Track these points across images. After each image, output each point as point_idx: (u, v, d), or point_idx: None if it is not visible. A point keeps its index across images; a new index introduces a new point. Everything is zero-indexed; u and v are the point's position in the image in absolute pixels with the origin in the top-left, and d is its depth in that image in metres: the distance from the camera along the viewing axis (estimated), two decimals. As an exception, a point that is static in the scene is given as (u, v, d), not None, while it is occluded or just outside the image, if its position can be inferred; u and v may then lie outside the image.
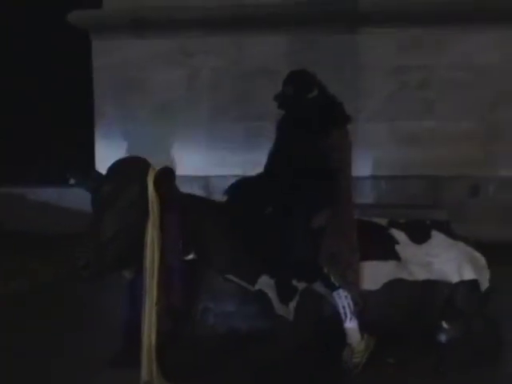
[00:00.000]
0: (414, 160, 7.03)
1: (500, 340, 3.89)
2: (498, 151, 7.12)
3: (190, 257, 3.51)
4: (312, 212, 3.64)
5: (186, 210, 3.50)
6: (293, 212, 3.65)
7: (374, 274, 3.72)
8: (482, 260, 4.02)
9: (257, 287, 3.56)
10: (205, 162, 6.82)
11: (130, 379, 3.51)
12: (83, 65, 7.38)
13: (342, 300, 3.55)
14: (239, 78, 7.34)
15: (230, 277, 3.55)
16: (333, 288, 3.57)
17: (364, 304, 3.63)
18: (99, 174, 3.49)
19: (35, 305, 5.22)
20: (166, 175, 3.33)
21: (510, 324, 4.07)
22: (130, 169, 3.39)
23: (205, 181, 6.64)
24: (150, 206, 3.30)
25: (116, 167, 3.43)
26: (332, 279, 3.55)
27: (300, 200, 3.61)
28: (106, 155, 7.54)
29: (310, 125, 3.63)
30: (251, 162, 7.23)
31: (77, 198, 7.85)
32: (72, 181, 3.49)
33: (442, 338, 3.81)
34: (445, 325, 3.82)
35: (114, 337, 3.98)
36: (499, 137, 7.09)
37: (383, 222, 4.15)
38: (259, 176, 3.92)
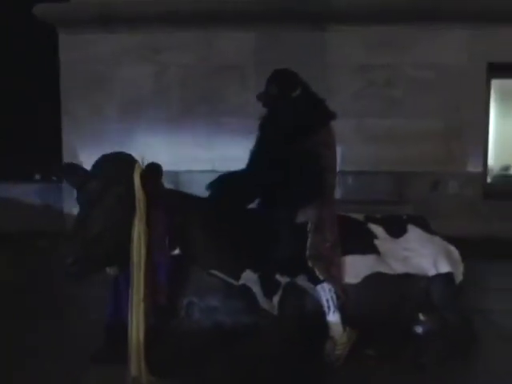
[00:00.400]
0: (380, 156, 7.15)
1: (473, 332, 4.00)
2: (460, 149, 7.29)
3: (176, 252, 3.53)
4: (296, 207, 3.69)
5: (170, 205, 3.52)
6: (277, 207, 3.70)
7: (355, 268, 3.81)
8: (456, 253, 4.14)
9: (241, 282, 3.61)
10: (174, 157, 6.80)
11: (115, 375, 3.53)
12: (50, 59, 7.27)
13: (326, 293, 3.62)
14: (208, 74, 7.34)
15: (215, 272, 3.58)
16: (317, 282, 3.63)
17: (346, 297, 3.70)
18: (84, 170, 3.48)
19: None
20: (153, 171, 3.33)
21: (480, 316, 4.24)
22: (116, 165, 3.39)
23: (174, 176, 6.63)
24: (136, 202, 3.30)
25: (102, 163, 3.42)
26: (317, 273, 3.60)
27: (285, 196, 3.66)
28: (73, 150, 7.48)
29: (297, 123, 3.68)
30: (220, 158, 7.31)
31: (40, 193, 7.84)
32: (57, 176, 3.46)
33: (419, 329, 3.91)
34: (421, 317, 3.92)
35: (90, 334, 4.04)
36: (461, 135, 7.26)
37: (360, 217, 4.24)
38: (242, 172, 3.95)
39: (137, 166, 3.39)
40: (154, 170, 3.31)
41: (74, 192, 3.49)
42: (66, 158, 7.49)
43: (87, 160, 7.12)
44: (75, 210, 7.11)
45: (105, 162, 3.41)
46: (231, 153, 7.27)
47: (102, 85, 7.37)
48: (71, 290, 5.24)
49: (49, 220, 7.55)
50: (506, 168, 7.88)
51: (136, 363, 3.39)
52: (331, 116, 3.80)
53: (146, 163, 3.43)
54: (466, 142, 7.27)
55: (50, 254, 6.79)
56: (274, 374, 3.52)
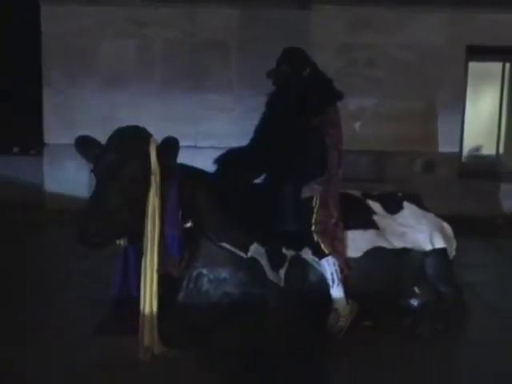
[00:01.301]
0: (361, 135, 7.29)
1: (465, 303, 4.20)
2: (436, 129, 7.49)
3: (188, 225, 3.61)
4: (302, 183, 3.79)
5: (182, 179, 3.59)
6: (283, 183, 3.80)
7: (356, 243, 3.95)
8: (449, 230, 4.32)
9: (249, 254, 3.71)
10: (157, 132, 6.77)
11: (124, 345, 3.61)
12: (32, 31, 7.17)
13: (331, 267, 3.74)
14: (191, 50, 7.34)
15: (225, 244, 3.67)
16: (322, 256, 3.75)
17: (348, 271, 3.84)
18: (97, 143, 3.52)
19: None
20: (170, 146, 3.39)
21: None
22: (132, 139, 3.44)
23: (157, 151, 6.64)
24: (152, 176, 3.36)
25: (117, 137, 3.47)
26: (322, 247, 3.72)
27: (291, 172, 3.76)
28: (54, 124, 7.44)
29: (306, 101, 3.76)
30: (203, 133, 7.37)
31: (18, 166, 7.76)
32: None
33: (415, 302, 4.08)
34: (417, 290, 4.09)
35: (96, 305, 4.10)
36: (439, 115, 7.45)
37: (357, 193, 4.37)
38: (248, 147, 4.03)
39: (152, 140, 3.44)
40: (170, 144, 3.36)
41: (89, 165, 3.54)
42: (46, 131, 7.45)
43: (68, 133, 7.16)
44: (55, 184, 7.12)
45: (121, 135, 3.46)
46: (213, 129, 7.34)
47: (84, 58, 7.32)
48: (60, 264, 5.32)
49: (27, 193, 7.52)
50: (477, 149, 8.12)
51: (149, 333, 3.47)
52: (339, 96, 3.90)
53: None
54: (443, 123, 7.46)
55: (30, 226, 6.79)
56: (279, 343, 3.65)
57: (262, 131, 4.03)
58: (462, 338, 4.03)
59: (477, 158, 7.99)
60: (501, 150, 7.87)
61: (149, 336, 3.47)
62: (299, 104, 3.80)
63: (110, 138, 3.46)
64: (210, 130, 7.29)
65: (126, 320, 3.69)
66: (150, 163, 3.36)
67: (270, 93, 4.11)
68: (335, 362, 3.67)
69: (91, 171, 3.44)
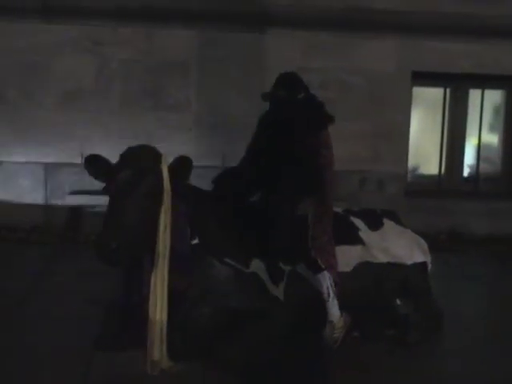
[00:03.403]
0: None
1: (442, 314, 4.49)
2: (386, 149, 7.84)
3: (195, 241, 3.72)
4: (297, 201, 3.98)
5: (190, 198, 3.71)
6: (279, 201, 3.97)
7: (346, 257, 4.16)
8: (425, 245, 4.60)
9: (251, 269, 3.86)
10: (115, 151, 6.81)
11: (128, 359, 3.67)
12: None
13: (326, 281, 3.93)
14: (149, 70, 7.37)
15: (227, 260, 3.81)
16: (317, 270, 3.93)
17: (340, 284, 4.04)
18: (106, 161, 3.59)
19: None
20: (183, 165, 3.50)
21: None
22: (145, 157, 3.53)
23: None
24: (164, 193, 3.46)
25: (130, 156, 3.55)
26: (319, 262, 3.91)
27: (287, 189, 3.94)
28: (8, 141, 7.30)
29: (300, 123, 3.96)
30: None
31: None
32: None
33: (398, 312, 4.32)
34: (398, 302, 4.34)
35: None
36: (387, 137, 7.80)
37: (339, 210, 4.59)
38: (243, 166, 4.18)
39: (163, 158, 3.54)
40: (184, 163, 3.47)
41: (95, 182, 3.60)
42: (0, 150, 7.32)
43: (22, 151, 7.08)
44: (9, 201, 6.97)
45: (134, 154, 3.55)
46: (171, 148, 7.37)
47: (40, 75, 7.22)
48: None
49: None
50: (415, 169, 8.55)
51: (158, 347, 3.55)
52: (331, 119, 4.12)
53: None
54: (390, 144, 7.82)
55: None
56: (280, 355, 3.80)
57: (256, 151, 4.17)
58: (442, 345, 4.32)
59: (421, 177, 8.41)
60: (443, 170, 8.30)
61: (158, 350, 3.55)
62: (294, 126, 3.99)
63: (124, 156, 3.55)
64: (167, 149, 7.31)
65: (129, 334, 3.77)
66: (162, 181, 3.46)
67: (262, 114, 4.28)
68: (331, 370, 3.85)
69: (103, 188, 3.50)
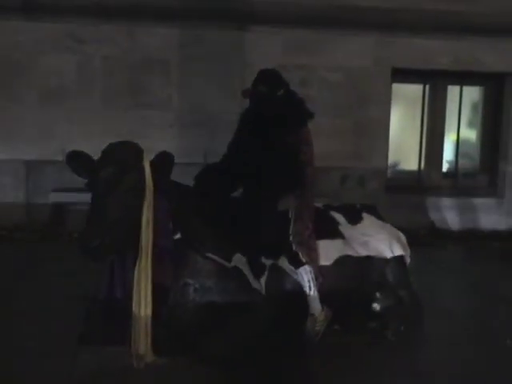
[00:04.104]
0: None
1: (422, 306, 4.57)
2: (366, 146, 7.93)
3: (177, 237, 3.77)
4: (278, 197, 4.04)
5: (171, 193, 3.75)
6: (260, 197, 4.02)
7: (326, 251, 4.23)
8: (404, 239, 4.68)
9: (232, 264, 3.91)
10: (97, 148, 6.83)
11: (113, 354, 3.71)
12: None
13: (308, 275, 4.00)
14: (131, 68, 7.41)
15: (210, 255, 3.86)
16: (298, 264, 4.00)
17: (322, 278, 4.11)
18: (88, 157, 3.62)
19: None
20: (165, 160, 3.54)
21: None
22: (127, 153, 3.56)
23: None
24: (146, 190, 3.50)
25: (112, 152, 3.57)
26: (300, 257, 3.98)
27: (267, 186, 3.99)
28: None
29: (280, 120, 4.01)
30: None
31: None
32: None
33: (378, 306, 4.39)
34: (378, 295, 4.41)
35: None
36: (367, 133, 7.90)
37: (319, 205, 4.65)
38: (224, 163, 4.23)
39: (145, 154, 3.58)
40: (166, 159, 3.51)
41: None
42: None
43: (4, 149, 7.07)
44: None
45: (115, 150, 3.57)
46: (153, 145, 7.40)
47: (22, 73, 7.23)
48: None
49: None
50: (395, 165, 8.65)
51: (144, 342, 3.59)
52: (310, 115, 4.18)
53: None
54: (370, 140, 7.92)
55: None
56: (263, 348, 3.87)
57: (237, 147, 4.22)
58: (423, 337, 4.41)
59: (401, 173, 8.51)
60: (422, 166, 8.41)
61: (143, 345, 3.59)
62: (274, 122, 4.05)
63: (105, 153, 3.57)
64: (149, 146, 7.35)
65: (113, 329, 3.80)
66: (144, 177, 3.50)
67: (243, 111, 4.33)
68: (314, 364, 3.93)
69: (86, 185, 3.53)
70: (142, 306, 3.56)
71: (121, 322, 3.73)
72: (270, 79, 4.13)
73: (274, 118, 4.04)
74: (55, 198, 7.11)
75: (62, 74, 7.32)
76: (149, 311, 3.57)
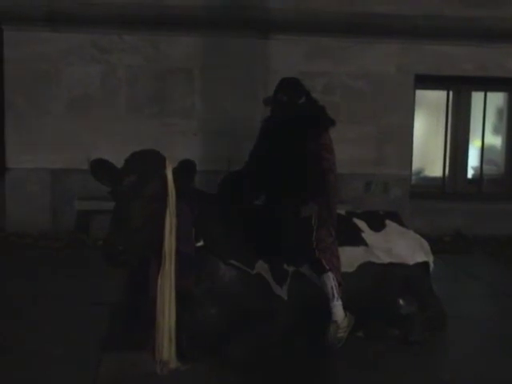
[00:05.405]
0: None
1: (445, 312, 4.54)
2: (390, 152, 7.93)
3: (200, 243, 3.80)
4: (300, 204, 4.04)
5: (194, 200, 3.79)
6: (283, 204, 4.04)
7: (350, 258, 4.22)
8: (427, 245, 4.65)
9: (255, 271, 3.93)
10: (121, 156, 6.91)
11: (137, 360, 3.74)
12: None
13: (331, 281, 3.98)
14: (154, 76, 7.52)
15: (233, 262, 3.88)
16: (321, 271, 3.99)
17: (344, 284, 4.10)
18: (112, 166, 3.66)
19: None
20: (187, 168, 3.58)
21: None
22: (149, 161, 3.60)
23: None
24: (169, 196, 3.53)
25: (135, 161, 3.62)
26: (323, 263, 3.97)
27: (290, 193, 4.00)
28: (16, 148, 7.42)
29: (303, 128, 4.03)
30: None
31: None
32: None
33: (401, 312, 4.37)
34: (401, 301, 4.39)
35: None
36: (391, 140, 7.89)
37: (342, 212, 4.65)
38: (247, 170, 4.25)
39: (168, 162, 3.61)
40: (188, 166, 3.55)
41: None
42: (8, 156, 7.43)
43: (30, 158, 7.18)
44: (17, 208, 7.02)
45: (138, 158, 3.61)
46: (177, 154, 7.46)
47: (48, 83, 7.36)
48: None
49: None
50: (418, 172, 8.62)
51: (167, 348, 3.61)
52: (332, 122, 4.19)
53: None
54: (394, 146, 7.91)
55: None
56: (284, 354, 3.88)
57: (259, 155, 4.24)
58: (446, 343, 4.39)
59: (425, 179, 8.48)
60: (447, 173, 8.37)
61: (167, 351, 3.62)
62: (295, 130, 4.07)
63: (128, 161, 3.61)
64: (172, 154, 7.40)
65: (136, 335, 3.84)
66: (167, 184, 3.53)
67: (264, 119, 4.35)
68: (336, 370, 3.93)
69: (109, 193, 3.58)
70: (166, 312, 3.58)
71: (144, 328, 3.77)
72: (290, 87, 4.15)
73: (294, 126, 4.05)
74: (80, 206, 7.20)
75: (86, 84, 7.43)
76: (173, 317, 3.59)
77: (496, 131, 8.59)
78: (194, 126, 7.64)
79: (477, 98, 8.31)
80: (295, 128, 4.05)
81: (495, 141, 8.63)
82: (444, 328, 4.48)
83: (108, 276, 4.41)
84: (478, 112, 8.34)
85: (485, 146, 8.41)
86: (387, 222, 4.65)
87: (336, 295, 4.00)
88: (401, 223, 4.72)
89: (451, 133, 8.31)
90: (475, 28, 7.61)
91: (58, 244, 7.02)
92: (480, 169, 8.45)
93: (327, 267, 3.99)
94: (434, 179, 8.44)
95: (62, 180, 7.46)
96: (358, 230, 4.47)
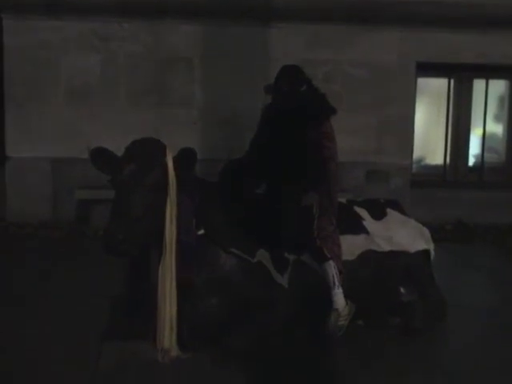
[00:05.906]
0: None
1: (445, 300, 4.53)
2: (391, 141, 7.90)
3: (201, 232, 3.79)
4: (302, 193, 4.03)
5: (195, 189, 3.78)
6: (284, 193, 4.03)
7: (350, 246, 4.22)
8: (428, 234, 4.65)
9: (256, 259, 3.92)
10: (121, 145, 6.89)
11: (137, 349, 3.75)
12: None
13: (332, 269, 3.98)
14: (155, 65, 7.47)
15: (234, 250, 3.87)
16: (323, 259, 3.99)
17: (345, 273, 4.10)
18: (112, 154, 3.65)
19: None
20: (187, 157, 3.56)
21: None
22: (149, 150, 3.58)
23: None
24: (169, 185, 3.52)
25: (135, 149, 3.60)
26: (324, 252, 3.97)
27: (291, 182, 3.99)
28: (16, 137, 7.40)
29: (303, 116, 4.01)
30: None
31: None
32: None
33: (401, 300, 4.37)
34: (402, 289, 4.39)
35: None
36: (392, 128, 7.86)
37: (343, 200, 4.64)
38: (248, 158, 4.23)
39: (168, 150, 3.60)
40: (189, 155, 3.53)
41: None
42: (8, 145, 7.41)
43: (30, 147, 7.15)
44: (17, 198, 6.99)
45: (138, 147, 3.60)
46: (177, 142, 7.44)
47: (48, 72, 7.32)
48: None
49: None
50: (419, 160, 8.59)
51: (168, 336, 3.62)
52: (333, 111, 4.17)
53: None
54: (395, 135, 7.87)
55: None
56: (285, 343, 3.88)
57: (260, 143, 4.22)
58: (446, 332, 4.39)
59: (427, 168, 8.46)
60: (448, 161, 8.34)
61: (168, 339, 3.62)
62: (297, 118, 4.04)
63: (128, 149, 3.60)
64: (172, 143, 7.39)
65: (137, 324, 3.84)
66: (167, 172, 3.52)
67: (265, 107, 4.33)
68: (337, 359, 3.94)
69: (109, 181, 3.57)
70: (167, 301, 3.59)
71: (145, 317, 3.77)
72: (291, 75, 4.12)
73: (295, 114, 4.03)
74: (81, 195, 7.18)
75: (86, 72, 7.40)
76: (174, 306, 3.60)
77: (497, 119, 8.55)
78: (194, 115, 7.61)
79: (478, 85, 8.26)
80: (296, 116, 4.03)
81: (496, 129, 8.60)
82: (444, 317, 4.47)
83: (109, 266, 4.40)
84: (479, 100, 8.29)
85: (486, 134, 8.38)
86: (388, 210, 4.64)
87: (337, 283, 4.00)
88: (402, 211, 4.72)
89: (452, 121, 8.27)
90: (476, 15, 7.55)
91: (58, 233, 7.01)
92: (481, 157, 8.42)
93: (328, 256, 3.99)
94: (435, 167, 8.42)
95: (62, 169, 7.43)
96: (359, 219, 4.46)
